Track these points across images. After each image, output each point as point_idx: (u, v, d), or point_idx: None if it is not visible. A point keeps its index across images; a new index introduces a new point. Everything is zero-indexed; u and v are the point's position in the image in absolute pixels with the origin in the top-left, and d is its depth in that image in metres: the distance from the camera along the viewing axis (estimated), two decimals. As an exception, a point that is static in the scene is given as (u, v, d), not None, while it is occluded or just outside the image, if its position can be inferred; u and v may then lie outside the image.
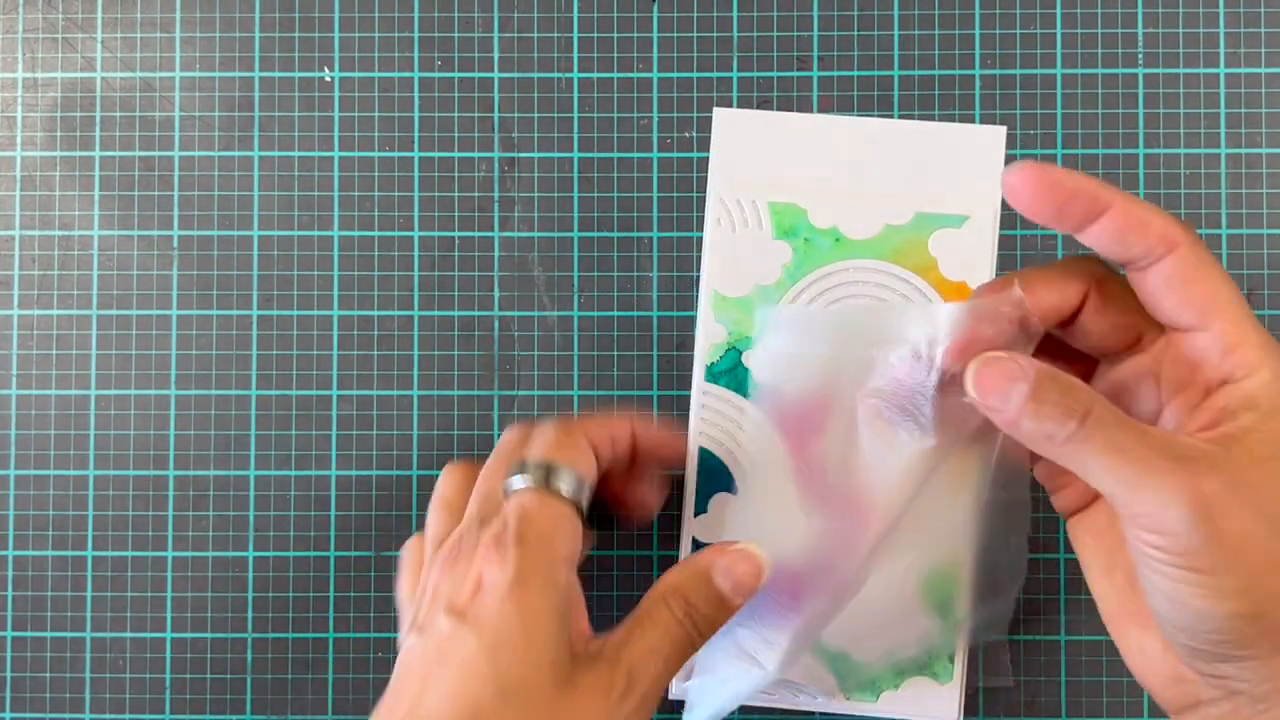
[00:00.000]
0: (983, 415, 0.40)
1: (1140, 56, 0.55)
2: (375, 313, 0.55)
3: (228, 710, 0.55)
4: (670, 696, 0.54)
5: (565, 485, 0.46)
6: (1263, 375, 0.38)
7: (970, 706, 0.54)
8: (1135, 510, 0.38)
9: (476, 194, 0.55)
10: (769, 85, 0.55)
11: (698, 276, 0.54)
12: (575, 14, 0.56)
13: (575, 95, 0.55)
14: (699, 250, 0.55)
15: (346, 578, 0.55)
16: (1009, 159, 0.54)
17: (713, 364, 0.53)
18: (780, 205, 0.53)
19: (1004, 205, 0.54)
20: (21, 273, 0.56)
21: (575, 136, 0.55)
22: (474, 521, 0.46)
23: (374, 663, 0.55)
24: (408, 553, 0.50)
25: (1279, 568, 0.37)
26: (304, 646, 0.55)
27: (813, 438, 0.51)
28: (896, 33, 0.55)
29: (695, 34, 0.55)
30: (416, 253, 0.55)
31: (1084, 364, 0.43)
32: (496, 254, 0.55)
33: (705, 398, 0.53)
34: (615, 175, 0.55)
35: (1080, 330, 0.42)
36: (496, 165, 0.55)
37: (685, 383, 0.54)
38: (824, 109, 0.55)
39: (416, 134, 0.56)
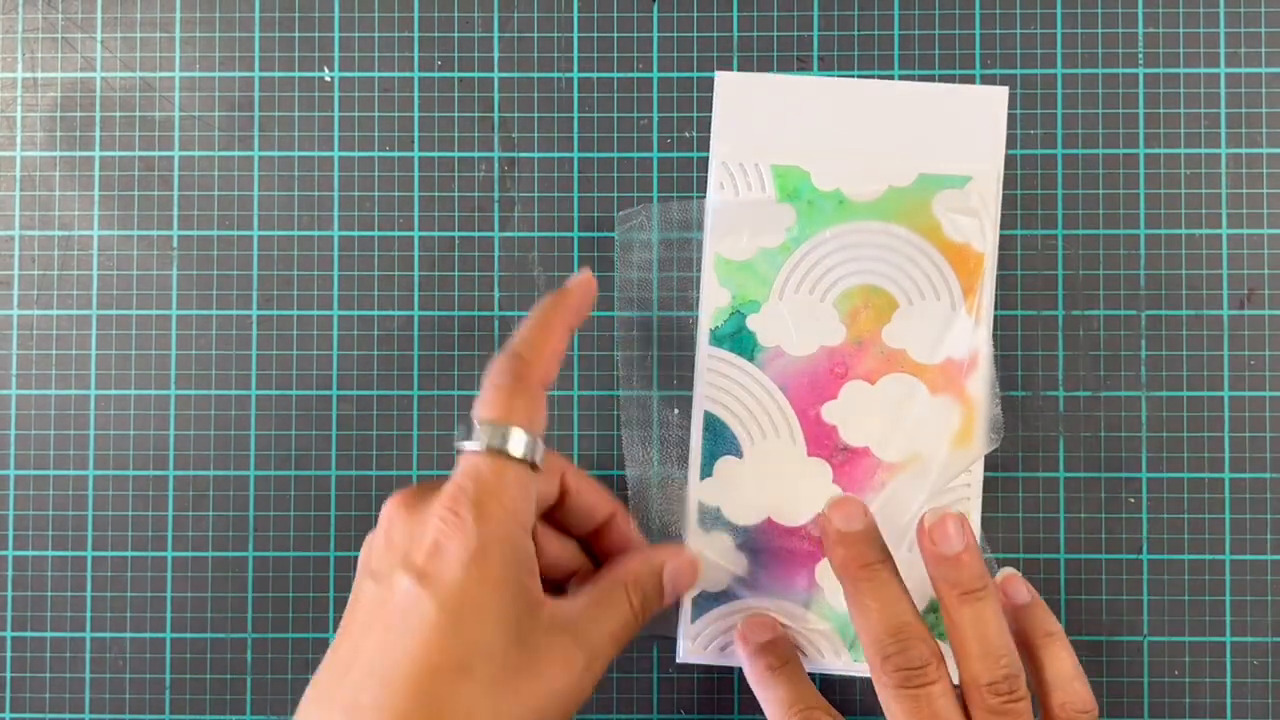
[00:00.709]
0: None
1: (1140, 56, 0.55)
2: (375, 313, 0.55)
3: (228, 710, 0.55)
4: (681, 659, 0.54)
5: (517, 447, 0.46)
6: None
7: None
8: None
9: (476, 194, 0.55)
10: (769, 85, 0.55)
11: (698, 277, 0.54)
12: (575, 14, 0.55)
13: (575, 95, 0.55)
14: (699, 252, 0.55)
15: (346, 578, 0.55)
16: (1011, 120, 0.55)
17: (716, 328, 0.53)
18: (783, 168, 0.53)
19: (1007, 165, 0.54)
20: (21, 273, 0.56)
21: (575, 136, 0.55)
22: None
23: (374, 663, 0.55)
24: None
25: None
26: (304, 646, 0.55)
27: (822, 399, 0.52)
28: (896, 33, 0.55)
29: (695, 34, 0.55)
30: (416, 253, 0.55)
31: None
32: (496, 254, 0.55)
33: (710, 361, 0.53)
34: (615, 175, 0.55)
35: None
36: (496, 165, 0.55)
37: (685, 383, 0.54)
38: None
39: (416, 134, 0.55)
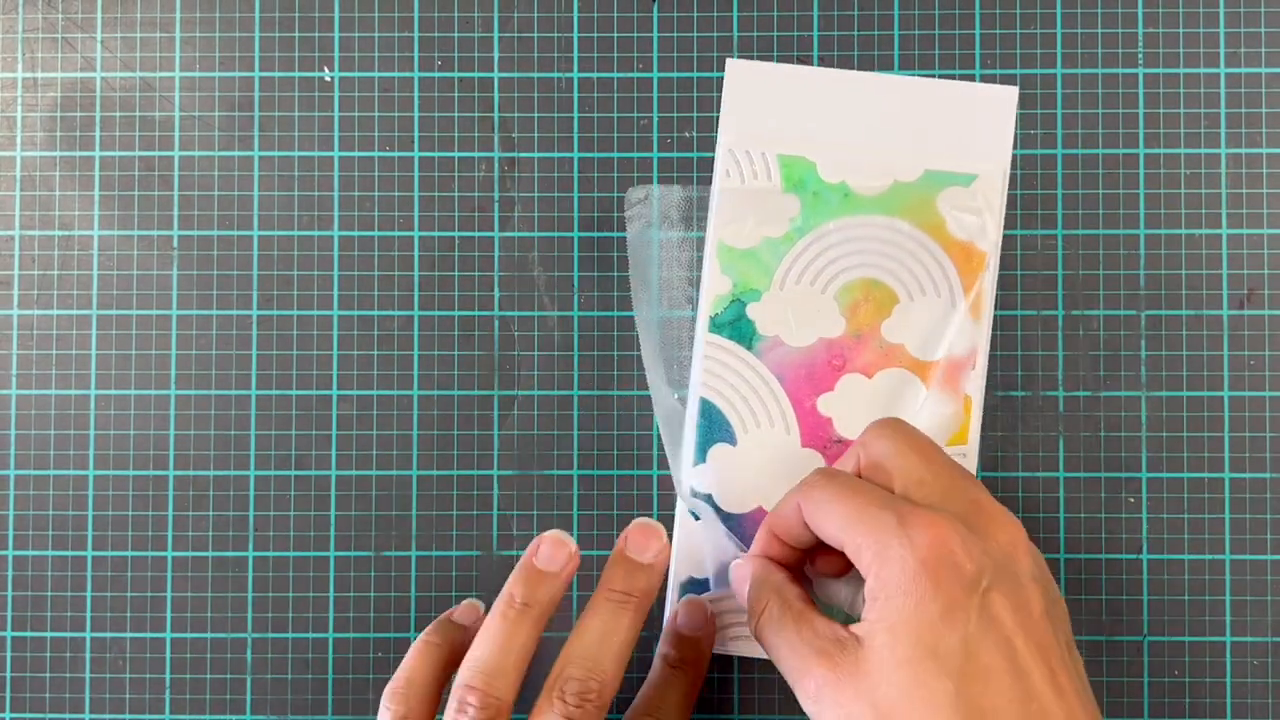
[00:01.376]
0: None
1: (1140, 56, 0.55)
2: (375, 313, 0.55)
3: (228, 710, 0.55)
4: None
5: None
6: (871, 571, 0.43)
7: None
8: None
9: (476, 194, 0.55)
10: (769, 85, 0.55)
11: (698, 276, 0.54)
12: (575, 14, 0.56)
13: (575, 95, 0.55)
14: (699, 250, 0.55)
15: (346, 578, 0.55)
16: (1020, 120, 0.55)
17: (716, 315, 0.53)
18: (790, 158, 0.53)
19: (1013, 165, 0.54)
20: (21, 273, 0.56)
21: (575, 136, 0.55)
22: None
23: (374, 663, 0.55)
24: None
25: None
26: (304, 646, 0.55)
27: (819, 391, 0.52)
28: (896, 33, 0.55)
29: (695, 34, 0.55)
30: (416, 253, 0.55)
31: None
32: (496, 254, 0.55)
33: (708, 348, 0.53)
34: (615, 175, 0.55)
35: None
36: (496, 165, 0.55)
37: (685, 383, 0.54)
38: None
39: (416, 134, 0.56)
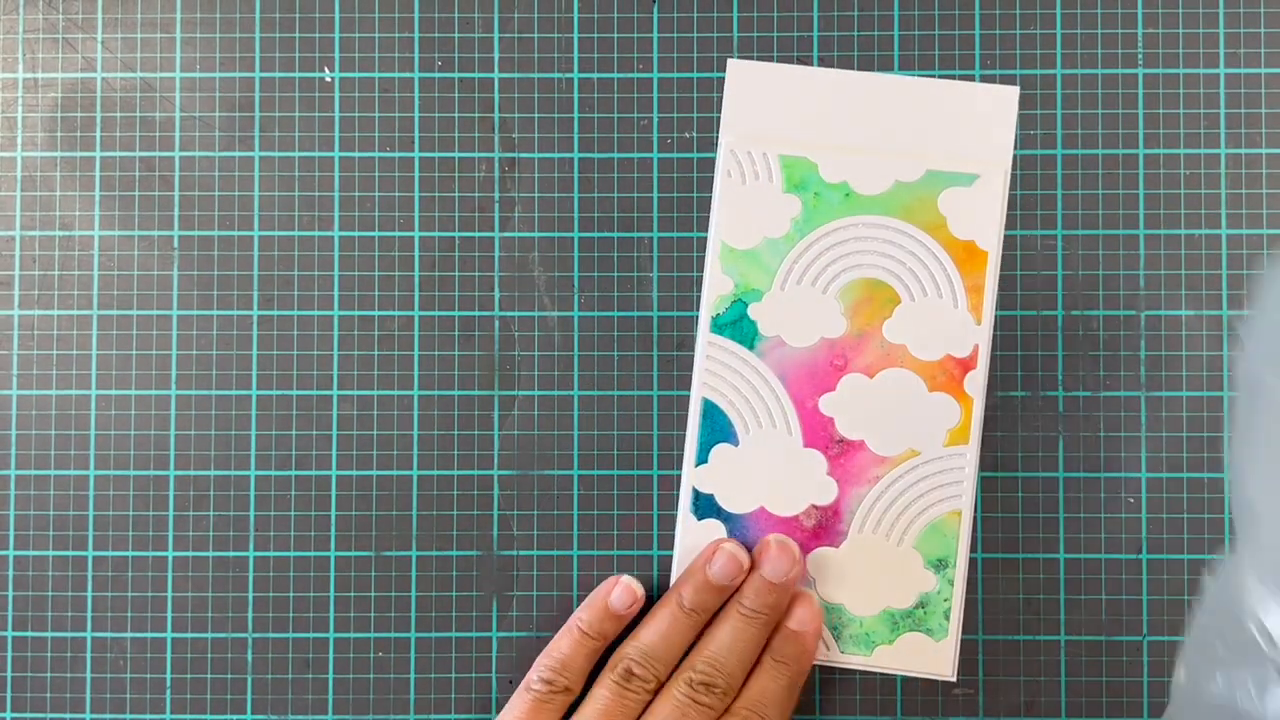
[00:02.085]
0: None
1: (1140, 56, 0.55)
2: (375, 313, 0.55)
3: (228, 710, 0.55)
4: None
5: None
6: None
7: (967, 667, 0.54)
8: None
9: (476, 194, 0.55)
10: (769, 85, 0.55)
11: (698, 277, 0.54)
12: (575, 14, 0.56)
13: (575, 95, 0.55)
14: (699, 250, 0.55)
15: (346, 578, 0.55)
16: (1020, 120, 0.55)
17: (718, 315, 0.53)
18: (791, 159, 0.53)
19: (1013, 165, 0.54)
20: (21, 273, 0.56)
21: (575, 136, 0.55)
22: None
23: (374, 663, 0.55)
24: None
25: None
26: (304, 646, 0.55)
27: (820, 391, 0.52)
28: (896, 33, 0.55)
29: (695, 34, 0.55)
30: (416, 253, 0.55)
31: None
32: (496, 254, 0.55)
33: (710, 349, 0.53)
34: (615, 175, 0.55)
35: None
36: (496, 165, 0.55)
37: (685, 383, 0.55)
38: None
39: (416, 134, 0.56)
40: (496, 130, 0.55)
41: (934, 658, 0.53)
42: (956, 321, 0.53)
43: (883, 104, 0.54)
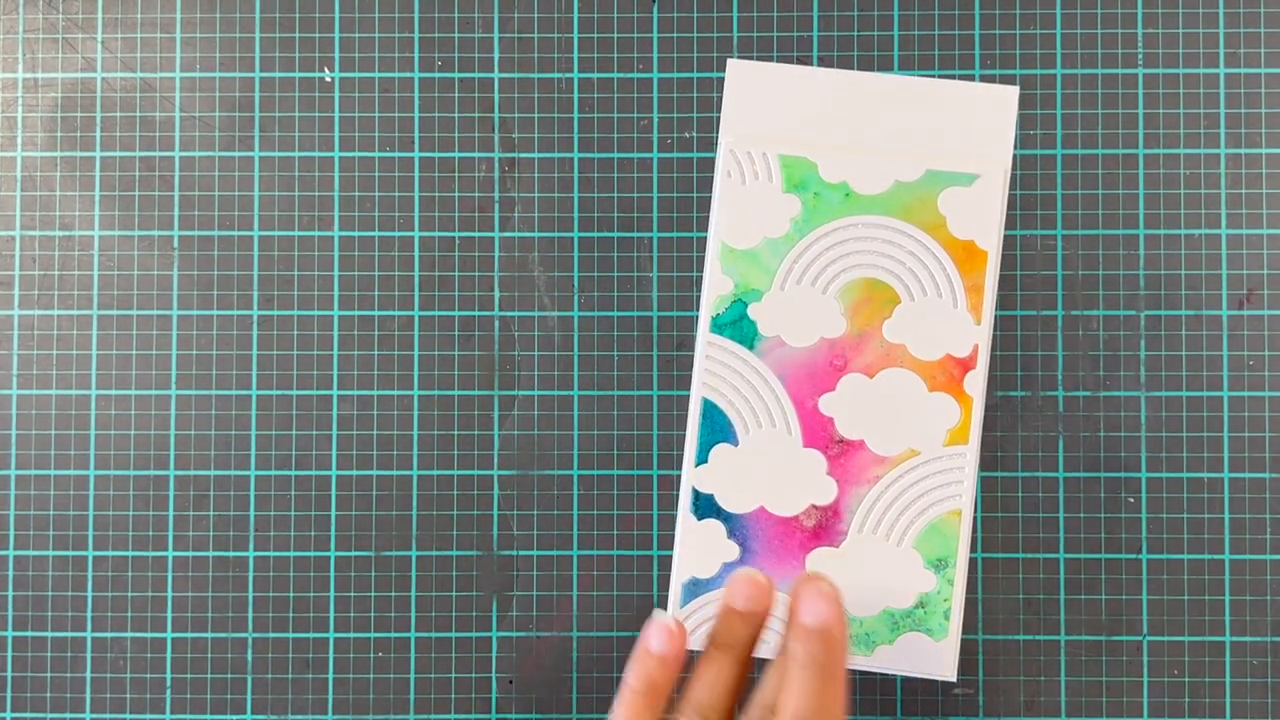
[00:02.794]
0: None
1: (1140, 56, 0.55)
2: (375, 313, 0.55)
3: (228, 710, 0.55)
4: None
5: None
6: None
7: (967, 667, 0.54)
8: None
9: (476, 194, 0.55)
10: (769, 85, 0.55)
11: (698, 277, 0.54)
12: (575, 14, 0.56)
13: (575, 95, 0.55)
14: (699, 250, 0.55)
15: (346, 578, 0.55)
16: (1020, 120, 0.55)
17: (718, 315, 0.53)
18: (791, 159, 0.53)
19: (1013, 165, 0.54)
20: (22, 273, 0.56)
21: (575, 136, 0.55)
22: None
23: (374, 663, 0.55)
24: None
25: None
26: (304, 646, 0.55)
27: (820, 391, 0.52)
28: (896, 33, 0.55)
29: (695, 34, 0.55)
30: (416, 253, 0.55)
31: None
32: (496, 254, 0.55)
33: (710, 349, 0.53)
34: (615, 175, 0.55)
35: None
36: (496, 165, 0.55)
37: (685, 383, 0.55)
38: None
39: (416, 134, 0.56)
40: (496, 130, 0.56)
41: (934, 658, 0.53)
42: (956, 321, 0.52)
43: (883, 104, 0.54)
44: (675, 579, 0.53)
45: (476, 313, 0.55)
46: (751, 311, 0.53)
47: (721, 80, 0.55)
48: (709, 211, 0.54)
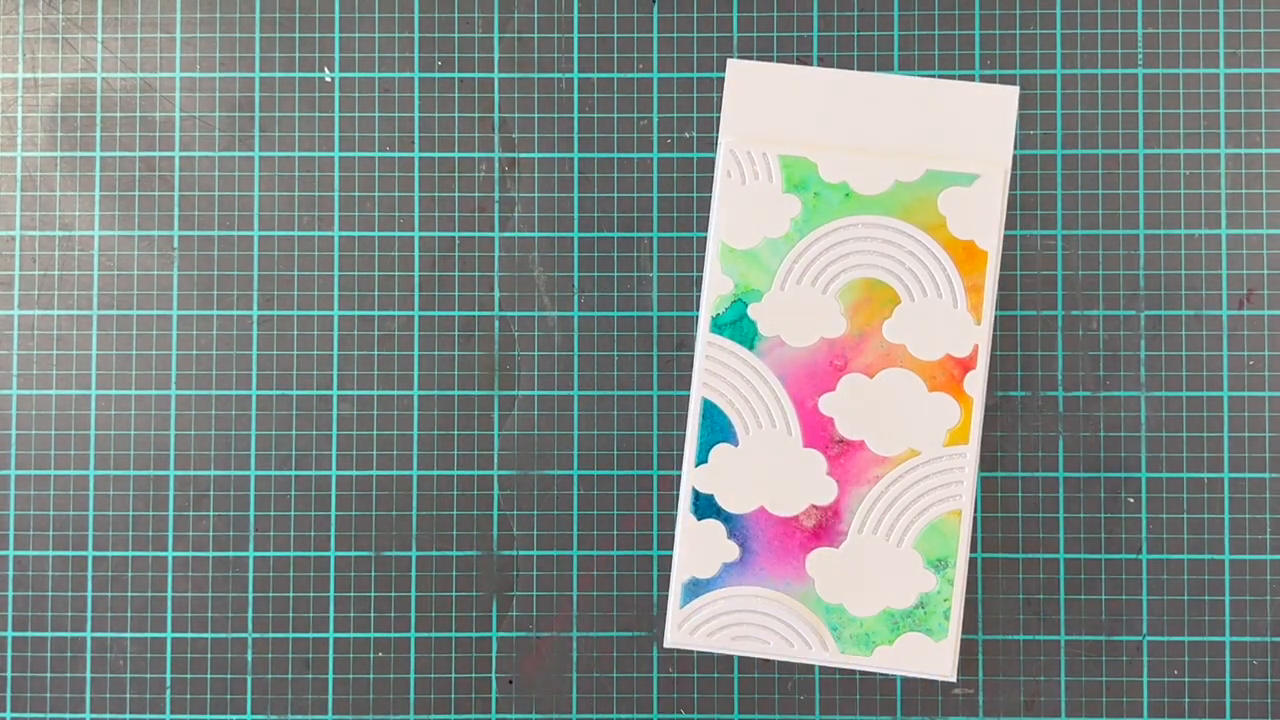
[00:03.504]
0: None
1: (1140, 56, 0.55)
2: (375, 313, 0.55)
3: (228, 710, 0.55)
4: (667, 645, 0.54)
5: None
6: None
7: (967, 667, 0.54)
8: None
9: (476, 194, 0.55)
10: (769, 85, 0.55)
11: (698, 277, 0.54)
12: (575, 14, 0.56)
13: (575, 95, 0.55)
14: (699, 250, 0.55)
15: (346, 578, 0.55)
16: (1020, 120, 0.55)
17: (718, 315, 0.53)
18: (791, 159, 0.53)
19: (1013, 165, 0.54)
20: (21, 273, 0.56)
21: (575, 136, 0.55)
22: None
23: (374, 663, 0.55)
24: None
25: None
26: (304, 646, 0.55)
27: (820, 391, 0.52)
28: (896, 33, 0.55)
29: (695, 34, 0.55)
30: (416, 253, 0.55)
31: None
32: (496, 254, 0.55)
33: (710, 349, 0.53)
34: (615, 175, 0.55)
35: None
36: (496, 165, 0.55)
37: (685, 383, 0.55)
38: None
39: (416, 134, 0.56)
40: (496, 130, 0.56)
41: (934, 658, 0.53)
42: (956, 321, 0.52)
43: (883, 104, 0.54)
44: (675, 579, 0.53)
45: (476, 313, 0.55)
46: (751, 311, 0.53)
47: (721, 80, 0.55)
48: (709, 211, 0.54)
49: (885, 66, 0.55)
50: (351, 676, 0.55)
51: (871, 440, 0.52)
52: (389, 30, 0.56)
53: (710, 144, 0.55)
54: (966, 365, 0.52)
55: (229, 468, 0.55)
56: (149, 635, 0.55)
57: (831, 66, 0.55)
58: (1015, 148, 0.54)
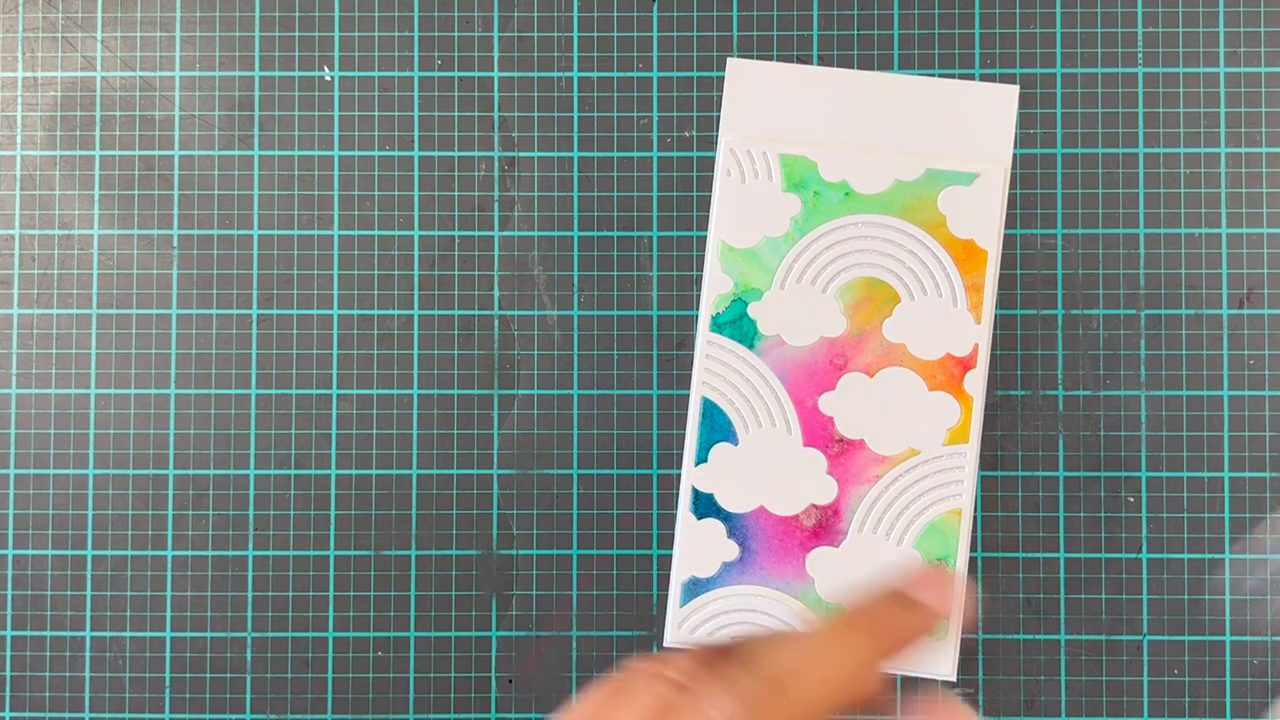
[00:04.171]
0: None
1: (1140, 56, 0.55)
2: (375, 313, 0.55)
3: (228, 710, 0.55)
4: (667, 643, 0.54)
5: None
6: None
7: (967, 667, 0.54)
8: None
9: (476, 194, 0.55)
10: (769, 85, 0.55)
11: (698, 276, 0.54)
12: (575, 14, 0.56)
13: (575, 95, 0.55)
14: (699, 250, 0.55)
15: (346, 578, 0.55)
16: (1020, 120, 0.55)
17: (718, 314, 0.53)
18: (791, 158, 0.53)
19: (1013, 164, 0.54)
20: (21, 272, 0.56)
21: (575, 136, 0.55)
22: None
23: (374, 662, 0.55)
24: None
25: None
26: (304, 646, 0.55)
27: (820, 390, 0.52)
28: (896, 33, 0.55)
29: (695, 34, 0.55)
30: (416, 253, 0.55)
31: None
32: (496, 254, 0.55)
33: (710, 348, 0.53)
34: (615, 175, 0.55)
35: None
36: (496, 165, 0.55)
37: (685, 382, 0.55)
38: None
39: (416, 134, 0.56)
40: (496, 130, 0.56)
41: (934, 658, 0.53)
42: (956, 320, 0.52)
43: (883, 103, 0.54)
44: (675, 578, 0.53)
45: (476, 312, 0.55)
46: (751, 311, 0.53)
47: (721, 80, 0.55)
48: (709, 211, 0.54)
49: (885, 66, 0.55)
50: (351, 676, 0.55)
51: (871, 439, 0.52)
52: (389, 30, 0.56)
53: (710, 143, 0.55)
54: (966, 364, 0.52)
55: (229, 467, 0.55)
56: (148, 635, 0.55)
57: (831, 66, 0.55)
58: (1015, 147, 0.54)
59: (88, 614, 0.55)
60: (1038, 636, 0.54)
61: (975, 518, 0.54)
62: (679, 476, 0.54)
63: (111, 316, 0.56)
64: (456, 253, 0.55)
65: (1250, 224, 0.54)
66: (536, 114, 0.55)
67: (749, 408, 0.53)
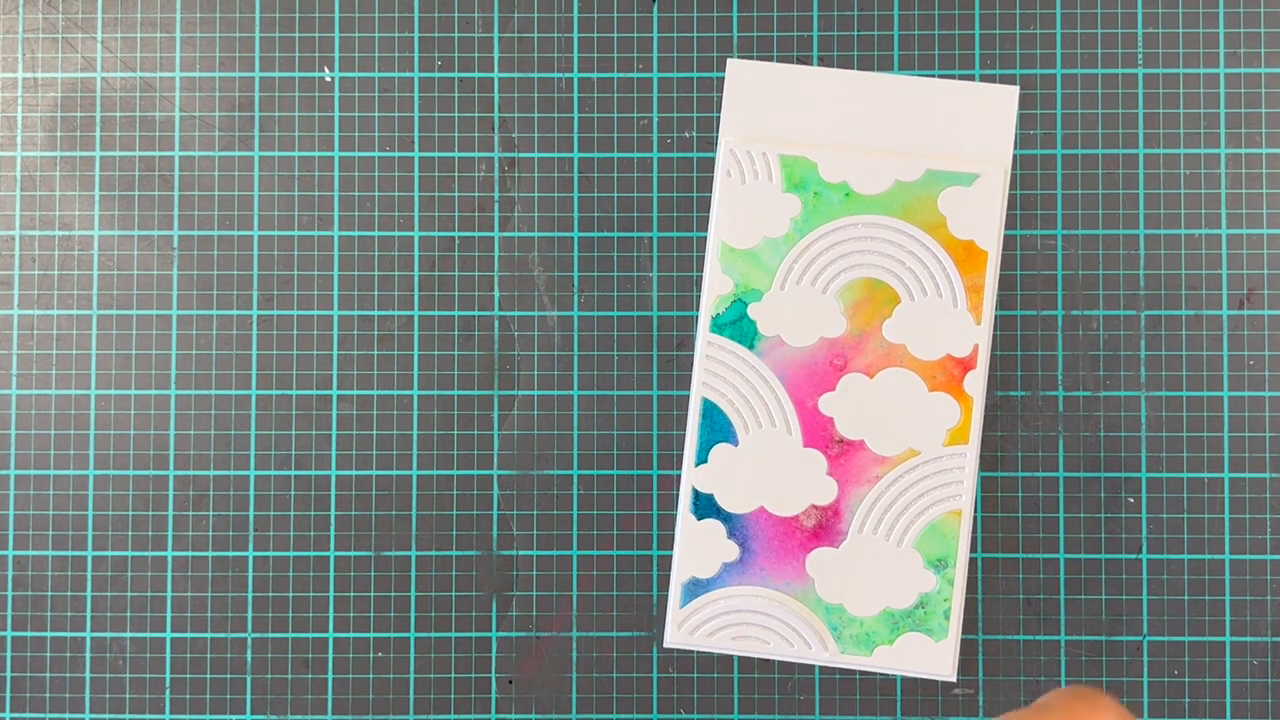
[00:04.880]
0: None
1: (1140, 56, 0.55)
2: (375, 313, 0.55)
3: (228, 710, 0.55)
4: (667, 644, 0.54)
5: None
6: None
7: (967, 667, 0.54)
8: None
9: (476, 194, 0.55)
10: (769, 85, 0.55)
11: (698, 276, 0.54)
12: (575, 14, 0.56)
13: (575, 95, 0.55)
14: (699, 250, 0.55)
15: (346, 578, 0.55)
16: (1020, 120, 0.55)
17: (718, 315, 0.53)
18: (791, 158, 0.53)
19: (1013, 165, 0.54)
20: (21, 273, 0.56)
21: (575, 136, 0.55)
22: None
23: (374, 663, 0.55)
24: None
25: None
26: (304, 646, 0.55)
27: (820, 391, 0.52)
28: (896, 33, 0.55)
29: (695, 34, 0.55)
30: (416, 253, 0.55)
31: None
32: (496, 254, 0.55)
33: (709, 349, 0.53)
34: (615, 175, 0.55)
35: None
36: (496, 165, 0.55)
37: (685, 383, 0.55)
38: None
39: (416, 134, 0.56)
40: (496, 130, 0.56)
41: (934, 658, 0.53)
42: (956, 321, 0.52)
43: (883, 104, 0.54)
44: (675, 579, 0.53)
45: (476, 313, 0.55)
46: (751, 311, 0.53)
47: (721, 80, 0.55)
48: (709, 211, 0.54)
49: (885, 66, 0.55)
50: (351, 676, 0.55)
51: (871, 440, 0.52)
52: (389, 30, 0.56)
53: (710, 144, 0.55)
54: (967, 365, 0.52)
55: (229, 467, 0.55)
56: (148, 635, 0.55)
57: (831, 66, 0.55)
58: (1015, 147, 0.54)
59: (88, 614, 0.55)
60: (1038, 637, 0.54)
61: (975, 518, 0.54)
62: (679, 477, 0.54)
63: (111, 317, 0.56)
64: (456, 253, 0.55)
65: (1250, 224, 0.54)
66: (536, 114, 0.55)
67: (749, 408, 0.53)
